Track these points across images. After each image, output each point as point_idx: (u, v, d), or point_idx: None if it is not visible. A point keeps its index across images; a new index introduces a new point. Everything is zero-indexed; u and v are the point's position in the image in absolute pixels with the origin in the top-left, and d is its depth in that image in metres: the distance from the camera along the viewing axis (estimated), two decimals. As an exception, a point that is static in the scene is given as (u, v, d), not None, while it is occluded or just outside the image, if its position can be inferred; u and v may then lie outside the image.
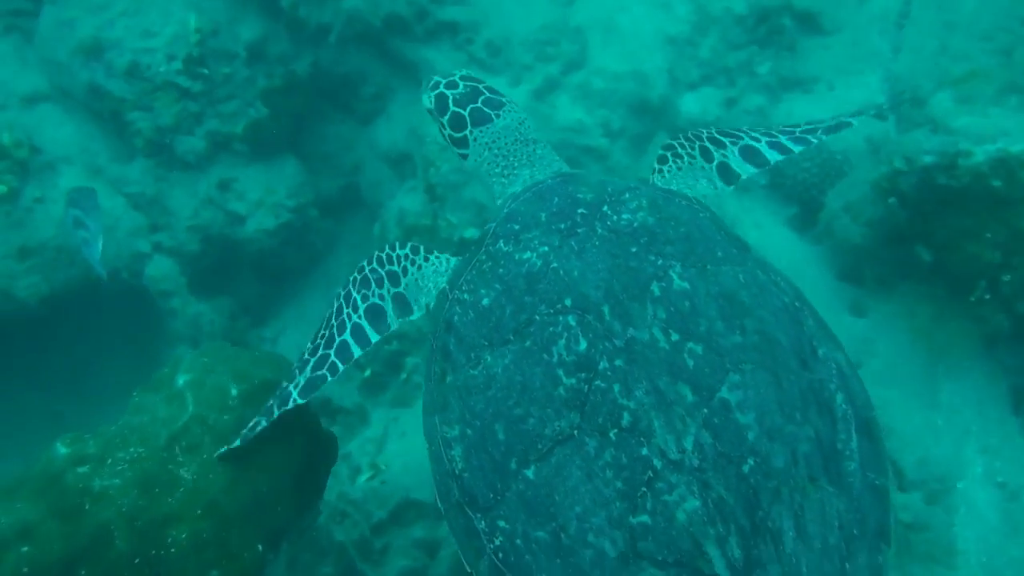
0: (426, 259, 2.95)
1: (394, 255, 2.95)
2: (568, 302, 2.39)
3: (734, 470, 2.14)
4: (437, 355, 2.61)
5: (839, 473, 2.26)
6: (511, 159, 3.08)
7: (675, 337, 2.29)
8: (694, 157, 3.12)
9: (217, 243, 5.87)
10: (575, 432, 2.24)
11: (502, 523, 2.30)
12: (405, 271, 2.93)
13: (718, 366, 2.27)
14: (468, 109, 3.13)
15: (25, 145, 5.45)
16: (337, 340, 2.82)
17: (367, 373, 5.15)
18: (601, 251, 2.48)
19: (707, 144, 3.14)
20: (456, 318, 2.58)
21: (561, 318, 2.38)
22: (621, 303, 2.36)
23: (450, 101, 3.15)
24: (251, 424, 2.72)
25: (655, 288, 2.38)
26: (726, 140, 3.16)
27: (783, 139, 3.18)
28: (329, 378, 2.78)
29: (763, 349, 2.32)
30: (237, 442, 2.67)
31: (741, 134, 3.20)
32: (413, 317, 2.89)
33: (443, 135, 3.23)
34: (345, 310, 2.88)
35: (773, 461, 2.17)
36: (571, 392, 2.28)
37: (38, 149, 5.55)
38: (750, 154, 3.13)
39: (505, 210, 2.76)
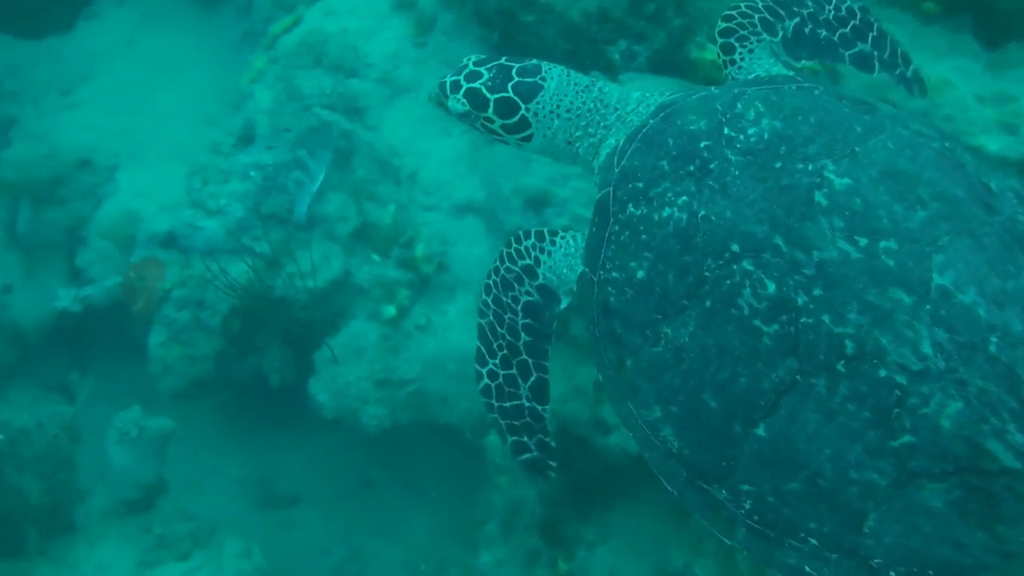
0: (553, 243, 2.76)
1: (522, 248, 2.77)
2: (735, 247, 2.20)
3: (982, 355, 2.00)
4: (604, 342, 2.45)
5: None
6: (588, 113, 2.79)
7: (863, 242, 2.10)
8: (760, 35, 2.83)
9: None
10: (797, 377, 2.11)
11: (746, 487, 2.21)
12: (538, 261, 2.76)
13: (919, 253, 2.08)
14: (511, 88, 2.76)
15: (435, 260, 5.09)
16: (520, 343, 2.73)
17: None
18: (744, 180, 2.26)
19: (767, 16, 2.84)
20: (612, 299, 2.42)
21: (735, 266, 2.20)
22: (792, 228, 2.16)
23: (484, 91, 2.77)
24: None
25: (820, 197, 2.17)
26: (783, 12, 2.86)
27: (832, 35, 2.88)
28: (546, 378, 2.74)
29: (948, 214, 2.14)
30: None
31: (796, 10, 2.87)
32: (562, 307, 2.75)
33: (489, 130, 2.83)
34: (506, 316, 2.75)
35: (1012, 327, 2.03)
36: (777, 339, 2.12)
37: (445, 267, 5.15)
38: (798, 39, 2.86)
39: (617, 169, 2.51)
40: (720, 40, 2.85)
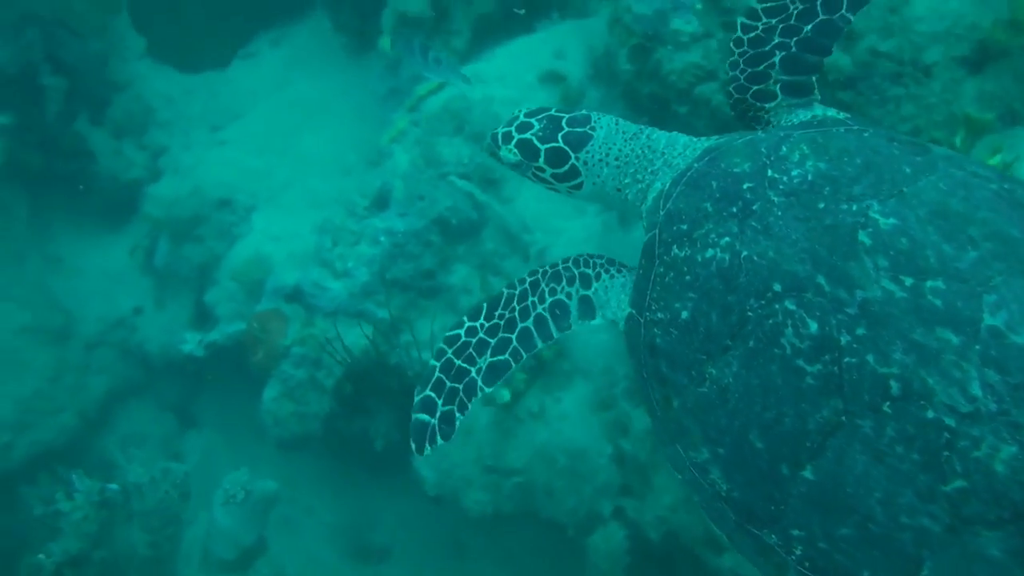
0: (619, 271, 2.77)
1: (591, 260, 2.79)
2: (777, 287, 2.19)
3: None
4: (651, 383, 2.47)
5: None
6: (636, 160, 2.80)
7: (909, 282, 2.06)
8: (765, 107, 2.75)
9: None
10: (843, 418, 2.07)
11: (796, 531, 2.15)
12: (599, 276, 2.76)
13: (969, 293, 2.03)
14: (560, 138, 2.80)
15: (555, 345, 4.89)
16: (520, 326, 2.69)
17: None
18: (787, 220, 2.25)
19: (754, 87, 2.75)
20: (658, 340, 2.44)
21: (777, 306, 2.18)
22: (835, 267, 2.14)
23: (535, 141, 2.81)
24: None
25: (863, 237, 2.14)
26: (762, 67, 2.75)
27: (815, 19, 2.70)
28: (513, 365, 2.66)
29: (1002, 253, 2.07)
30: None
31: (768, 49, 2.75)
32: (595, 322, 2.73)
33: (540, 179, 2.87)
34: (531, 298, 2.74)
35: None
36: (821, 379, 2.10)
37: (564, 353, 4.95)
38: (795, 65, 2.74)
39: (662, 212, 2.52)
40: (742, 120, 2.86)
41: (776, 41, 2.78)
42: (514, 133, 2.85)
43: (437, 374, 2.63)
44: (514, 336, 2.68)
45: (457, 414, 2.60)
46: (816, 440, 2.11)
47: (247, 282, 5.38)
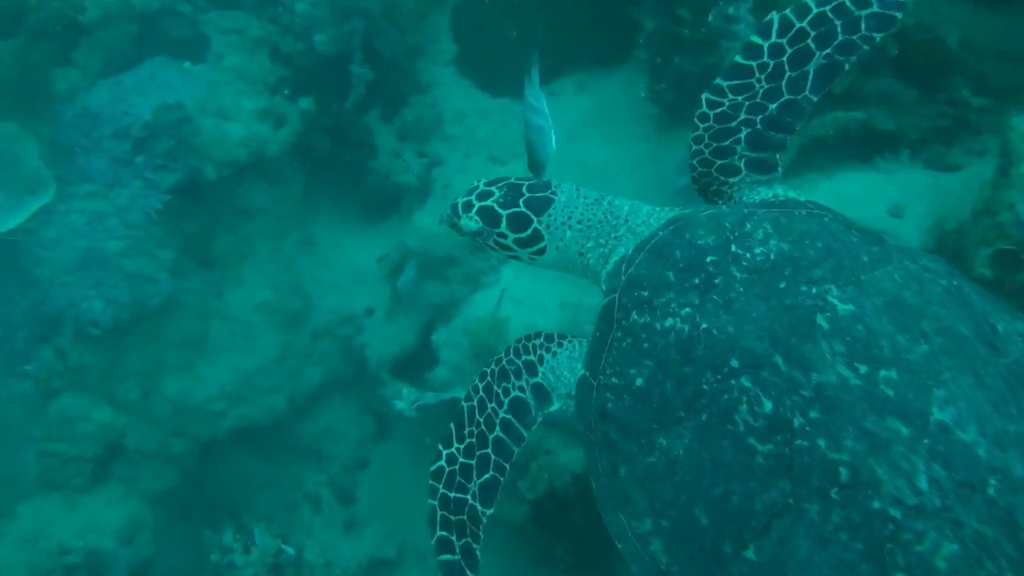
0: (560, 345, 2.78)
1: (529, 344, 2.80)
2: (735, 363, 2.19)
3: (980, 497, 1.94)
4: (599, 448, 2.42)
5: None
6: (598, 224, 2.78)
7: (863, 369, 2.08)
8: (728, 182, 2.80)
9: None
10: (790, 500, 2.05)
11: None
12: (541, 360, 2.78)
13: (919, 386, 2.06)
14: (522, 203, 2.79)
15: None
16: (490, 437, 2.72)
17: None
18: (749, 296, 2.27)
19: (719, 162, 2.79)
20: (610, 405, 2.40)
21: (733, 382, 2.17)
22: (792, 348, 2.15)
23: (496, 208, 2.79)
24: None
25: (822, 321, 2.17)
26: (727, 143, 2.77)
27: (780, 99, 2.74)
28: (501, 479, 2.69)
29: (952, 350, 2.13)
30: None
31: (734, 126, 2.77)
32: (552, 409, 2.74)
33: (502, 245, 2.84)
34: (489, 405, 2.76)
35: (1013, 471, 1.97)
36: (771, 459, 2.09)
37: None
38: (760, 142, 2.76)
39: (624, 277, 2.52)
40: (705, 200, 2.90)
41: (742, 118, 2.78)
42: (475, 201, 2.84)
43: (439, 512, 2.65)
44: (490, 450, 2.69)
45: (473, 545, 2.62)
46: (761, 520, 2.08)
47: (478, 344, 5.11)
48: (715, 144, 2.79)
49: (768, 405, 2.12)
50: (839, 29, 2.69)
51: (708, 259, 2.38)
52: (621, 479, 2.35)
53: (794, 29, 2.71)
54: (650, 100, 5.62)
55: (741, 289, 2.29)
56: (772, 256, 2.33)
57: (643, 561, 2.32)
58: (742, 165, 2.79)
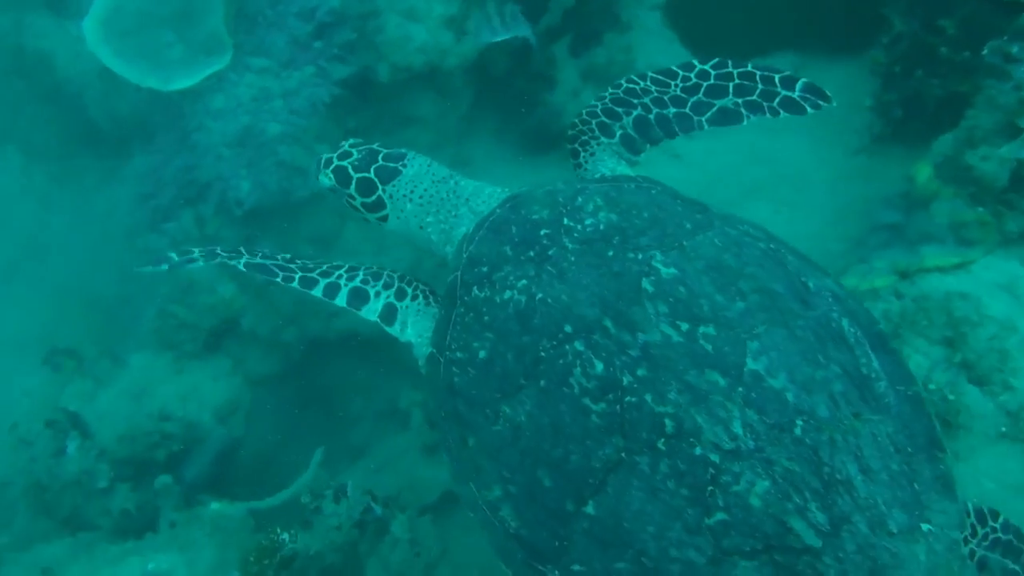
0: (429, 304, 2.90)
1: (416, 282, 2.96)
2: (568, 329, 2.34)
3: (788, 437, 2.14)
4: (450, 422, 2.53)
5: (875, 397, 2.28)
6: (439, 202, 2.97)
7: (685, 327, 2.27)
8: (599, 139, 3.08)
9: None
10: (623, 455, 2.21)
11: (577, 567, 2.26)
12: (415, 297, 2.92)
13: (735, 340, 2.25)
14: (372, 170, 3.01)
15: None
16: (312, 275, 2.92)
17: None
18: (580, 266, 2.43)
19: (603, 119, 3.08)
20: (456, 379, 2.51)
21: (567, 347, 2.32)
22: (621, 312, 2.32)
23: (350, 169, 3.03)
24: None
25: (647, 284, 2.35)
26: (620, 110, 3.06)
27: (682, 109, 3.03)
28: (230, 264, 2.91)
29: (767, 305, 2.32)
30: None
31: (635, 102, 3.07)
32: (389, 329, 2.89)
33: (352, 206, 3.08)
34: (341, 271, 2.95)
35: (818, 412, 2.18)
36: (605, 417, 2.24)
37: None
38: (643, 128, 3.06)
39: (464, 255, 2.65)
40: (568, 147, 3.11)
41: (645, 101, 3.04)
42: (335, 160, 3.04)
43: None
44: (304, 274, 2.91)
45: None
46: (599, 476, 2.21)
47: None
48: (612, 107, 3.05)
49: (599, 366, 2.25)
50: (756, 93, 2.97)
51: (542, 232, 2.51)
52: (471, 450, 2.44)
53: (724, 70, 3.01)
54: (874, 110, 4.94)
55: (573, 259, 2.42)
56: (602, 227, 2.47)
57: (494, 527, 2.41)
58: (617, 133, 3.04)
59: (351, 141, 3.12)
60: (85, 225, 7.11)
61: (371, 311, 2.89)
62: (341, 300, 2.91)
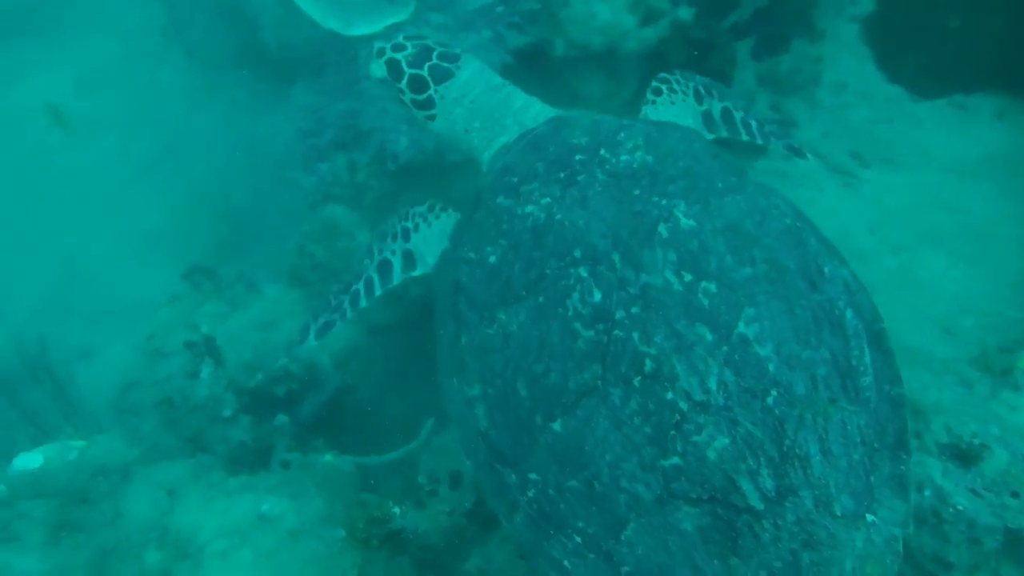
0: (437, 216, 2.97)
1: (411, 212, 3.04)
2: (577, 253, 2.40)
3: (759, 404, 2.20)
4: (448, 317, 2.60)
5: (856, 389, 2.30)
6: (489, 109, 2.98)
7: (688, 278, 2.32)
8: (687, 96, 3.16)
9: None
10: (599, 383, 2.29)
11: (533, 475, 2.34)
12: (417, 227, 3.01)
13: (733, 302, 2.30)
14: (426, 68, 3.00)
15: None
16: (352, 287, 3.09)
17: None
18: (604, 198, 2.48)
19: (700, 88, 3.18)
20: (464, 278, 2.59)
21: (572, 271, 2.39)
22: (631, 249, 2.38)
23: (403, 64, 3.01)
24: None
25: (663, 230, 2.39)
26: (715, 92, 3.20)
27: (749, 124, 3.26)
28: (338, 322, 3.06)
29: (773, 277, 2.35)
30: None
31: (728, 96, 3.26)
32: (416, 273, 2.99)
33: (403, 101, 3.08)
34: (365, 260, 3.10)
35: (795, 389, 2.22)
36: (591, 344, 2.31)
37: None
38: (726, 118, 3.19)
39: (500, 163, 2.74)
40: (653, 83, 3.25)
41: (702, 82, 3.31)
42: (388, 51, 3.03)
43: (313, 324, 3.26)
44: (347, 300, 3.10)
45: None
46: (571, 398, 2.30)
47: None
48: (689, 70, 3.30)
49: (597, 296, 2.35)
50: (754, 128, 3.34)
51: (576, 157, 2.59)
52: (461, 347, 2.53)
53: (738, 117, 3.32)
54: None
55: (599, 189, 2.50)
56: (635, 165, 2.54)
57: (467, 423, 2.50)
58: (693, 85, 3.23)
59: (407, 32, 3.26)
60: (231, 138, 7.27)
61: (398, 274, 3.11)
62: (381, 287, 3.14)
